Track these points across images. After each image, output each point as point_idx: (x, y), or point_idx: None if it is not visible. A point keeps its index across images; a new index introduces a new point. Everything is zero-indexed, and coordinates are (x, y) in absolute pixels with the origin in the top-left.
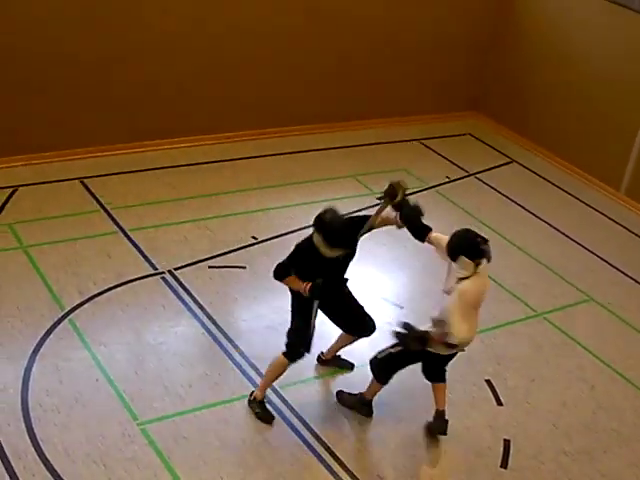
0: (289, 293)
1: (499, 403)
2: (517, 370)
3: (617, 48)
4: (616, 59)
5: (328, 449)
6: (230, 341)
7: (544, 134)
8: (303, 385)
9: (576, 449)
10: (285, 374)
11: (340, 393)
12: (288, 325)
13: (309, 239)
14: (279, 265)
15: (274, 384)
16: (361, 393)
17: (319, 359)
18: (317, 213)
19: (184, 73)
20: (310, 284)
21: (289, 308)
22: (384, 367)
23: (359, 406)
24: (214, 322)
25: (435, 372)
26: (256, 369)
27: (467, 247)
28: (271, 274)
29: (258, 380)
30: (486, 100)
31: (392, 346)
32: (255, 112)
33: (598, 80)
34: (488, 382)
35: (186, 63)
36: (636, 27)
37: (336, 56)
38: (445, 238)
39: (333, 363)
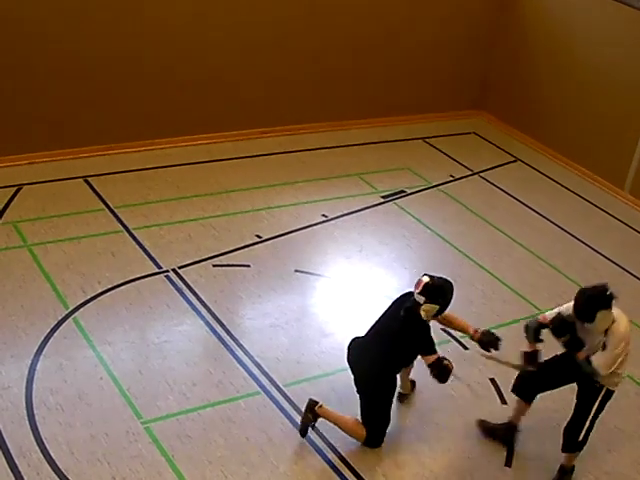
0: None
1: (503, 402)
2: None
3: (621, 46)
4: (620, 57)
5: (332, 447)
6: (234, 340)
7: (549, 133)
8: (307, 384)
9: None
10: (290, 373)
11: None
12: (294, 326)
13: (418, 318)
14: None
15: (279, 382)
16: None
17: (400, 398)
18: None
19: (188, 72)
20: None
21: (293, 307)
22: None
23: (505, 434)
24: (218, 321)
25: (584, 405)
26: (260, 367)
27: (601, 300)
28: (273, 272)
29: (262, 379)
30: (491, 99)
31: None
32: (260, 111)
33: (603, 78)
34: (492, 381)
35: (189, 62)
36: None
37: (340, 56)
38: (558, 310)
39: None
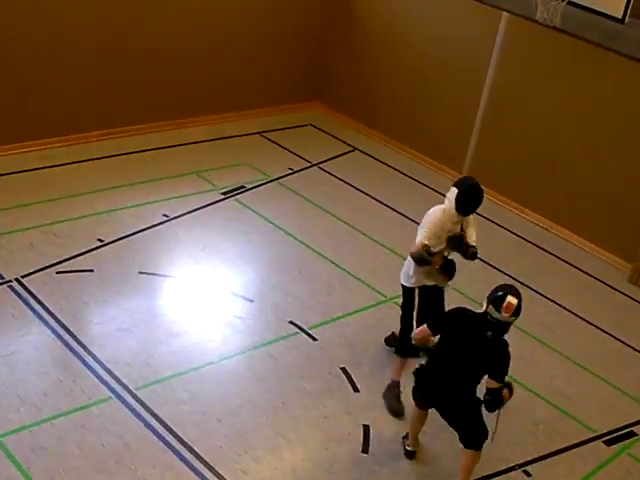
0: None
1: (355, 389)
2: (371, 356)
3: (454, 35)
4: (454, 46)
5: (189, 448)
6: (83, 346)
7: (386, 122)
8: (159, 385)
9: (435, 427)
10: (141, 375)
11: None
12: (142, 328)
13: None
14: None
15: (130, 386)
16: (392, 380)
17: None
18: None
19: (23, 77)
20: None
21: (140, 309)
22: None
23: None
24: (65, 328)
25: (438, 309)
26: (110, 372)
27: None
28: (117, 276)
29: (113, 384)
30: (326, 90)
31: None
32: (97, 113)
33: (437, 67)
34: (343, 369)
35: (24, 64)
36: (473, 14)
37: (173, 53)
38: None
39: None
